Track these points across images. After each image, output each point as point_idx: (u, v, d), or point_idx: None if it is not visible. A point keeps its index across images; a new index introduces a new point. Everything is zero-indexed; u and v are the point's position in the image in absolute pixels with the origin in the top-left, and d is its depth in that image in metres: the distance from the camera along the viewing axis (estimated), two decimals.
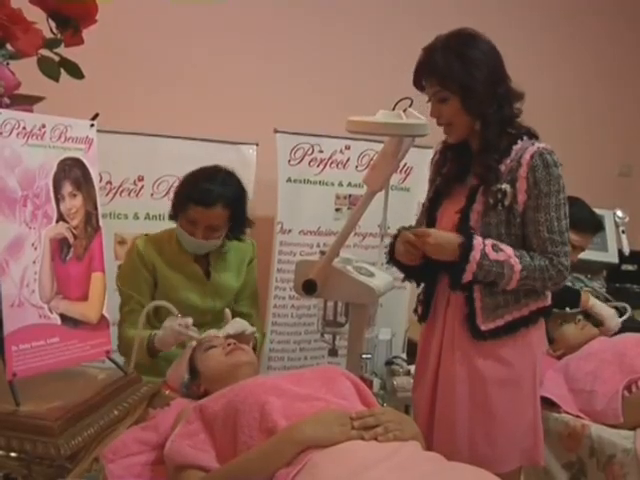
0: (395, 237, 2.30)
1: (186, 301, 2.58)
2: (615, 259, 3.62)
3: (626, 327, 3.01)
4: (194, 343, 2.30)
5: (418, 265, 2.24)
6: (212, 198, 2.50)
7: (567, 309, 2.91)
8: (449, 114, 2.13)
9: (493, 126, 2.13)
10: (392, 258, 2.32)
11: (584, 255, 3.07)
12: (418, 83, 2.17)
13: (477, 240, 2.10)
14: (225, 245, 2.69)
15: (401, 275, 2.40)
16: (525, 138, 2.16)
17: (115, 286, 2.61)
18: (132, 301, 2.58)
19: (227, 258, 2.72)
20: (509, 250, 2.11)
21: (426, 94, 2.17)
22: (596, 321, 2.99)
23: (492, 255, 2.09)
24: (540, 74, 4.36)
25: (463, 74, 2.07)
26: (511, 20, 4.41)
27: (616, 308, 3.07)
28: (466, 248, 2.09)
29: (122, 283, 2.62)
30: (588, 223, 3.02)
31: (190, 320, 2.33)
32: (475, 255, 2.08)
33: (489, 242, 2.11)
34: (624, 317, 3.04)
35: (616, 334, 2.96)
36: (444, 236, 2.15)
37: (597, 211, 3.15)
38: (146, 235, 2.71)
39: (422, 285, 2.36)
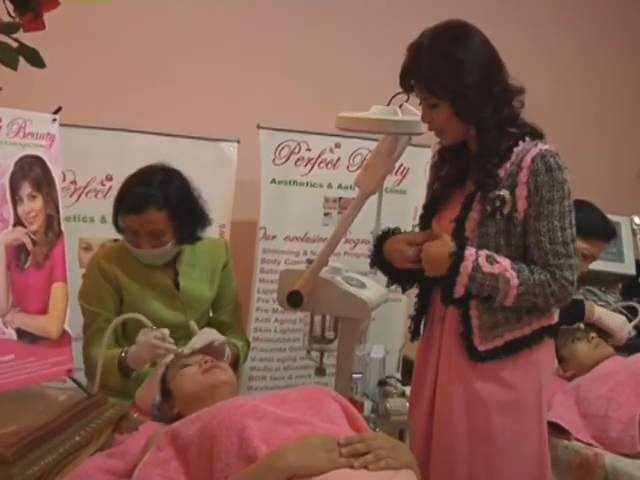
0: (380, 238, 2.32)
1: (155, 316, 2.55)
2: (632, 270, 3.63)
3: None
4: (168, 360, 2.29)
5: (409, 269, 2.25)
6: (142, 202, 2.50)
7: (571, 324, 2.93)
8: (440, 120, 2.14)
9: (490, 130, 2.12)
10: (377, 261, 2.34)
11: (597, 266, 3.08)
12: (405, 85, 2.17)
13: (469, 251, 2.11)
14: (183, 252, 2.67)
15: (397, 287, 2.41)
16: (527, 139, 2.15)
17: (79, 297, 2.60)
18: (98, 320, 2.57)
19: (197, 264, 2.71)
20: (506, 262, 2.11)
21: (415, 96, 2.17)
22: (610, 338, 3.00)
23: (486, 267, 2.09)
24: (548, 67, 4.40)
25: (452, 79, 2.06)
26: (519, 15, 4.44)
27: (626, 311, 3.08)
28: (457, 259, 2.10)
29: (85, 301, 2.61)
30: (599, 229, 3.02)
31: (167, 331, 2.34)
32: (466, 267, 2.09)
33: (483, 253, 2.11)
34: (635, 320, 3.06)
35: (631, 351, 2.98)
36: (434, 249, 2.16)
37: (612, 217, 3.16)
38: (105, 246, 2.70)
39: (415, 301, 2.37)
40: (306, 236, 3.59)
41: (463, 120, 2.12)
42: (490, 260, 2.10)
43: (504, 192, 2.11)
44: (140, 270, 2.62)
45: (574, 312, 2.90)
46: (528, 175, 2.09)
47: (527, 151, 2.12)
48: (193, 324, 2.48)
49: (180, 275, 2.67)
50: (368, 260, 2.41)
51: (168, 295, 2.64)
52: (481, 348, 2.17)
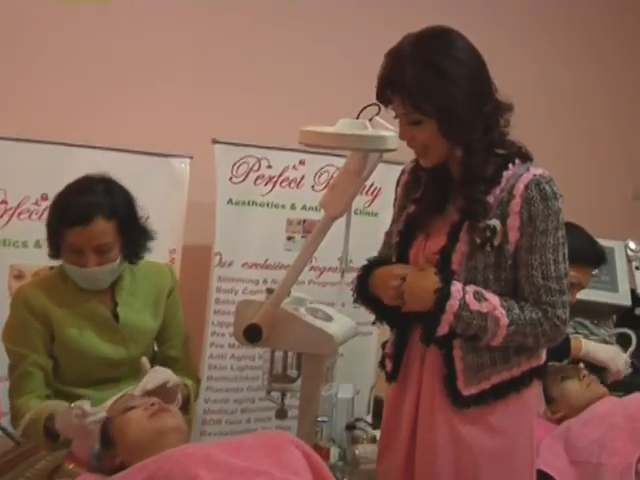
0: (366, 268, 2.31)
1: (92, 352, 2.52)
2: (627, 301, 3.65)
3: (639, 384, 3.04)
4: (109, 403, 2.26)
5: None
6: (88, 213, 2.45)
7: (556, 362, 2.93)
8: (423, 139, 2.12)
9: (479, 153, 2.12)
10: (362, 295, 2.32)
11: (589, 296, 3.11)
12: (383, 97, 2.14)
13: (456, 286, 2.11)
14: (122, 279, 2.64)
15: (366, 319, 2.41)
16: (517, 161, 2.15)
17: (2, 337, 2.57)
18: (25, 362, 2.51)
19: (138, 291, 2.68)
20: (495, 300, 2.11)
21: (393, 110, 2.15)
22: (602, 375, 3.00)
23: (473, 305, 2.09)
24: (534, 81, 4.47)
25: (439, 93, 2.04)
26: (503, 22, 4.50)
27: (618, 341, 3.10)
28: (443, 296, 2.10)
29: (9, 341, 2.56)
30: (586, 254, 3.02)
31: (86, 404, 2.24)
32: (452, 304, 2.09)
33: (471, 289, 2.11)
34: (631, 348, 3.08)
35: (626, 390, 2.99)
36: (419, 283, 2.15)
37: (605, 242, 3.20)
38: (38, 274, 2.65)
39: (392, 335, 2.36)
40: (266, 263, 3.58)
41: (449, 140, 2.11)
42: (478, 297, 2.10)
43: (495, 222, 2.11)
44: (74, 301, 2.57)
45: (558, 349, 2.88)
46: (521, 204, 2.09)
47: (519, 176, 2.12)
48: (145, 361, 2.45)
49: (119, 305, 2.63)
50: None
51: (106, 328, 2.59)
52: (466, 392, 2.16)
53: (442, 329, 2.11)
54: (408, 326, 2.27)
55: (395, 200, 2.39)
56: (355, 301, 2.36)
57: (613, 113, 4.92)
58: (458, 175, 2.18)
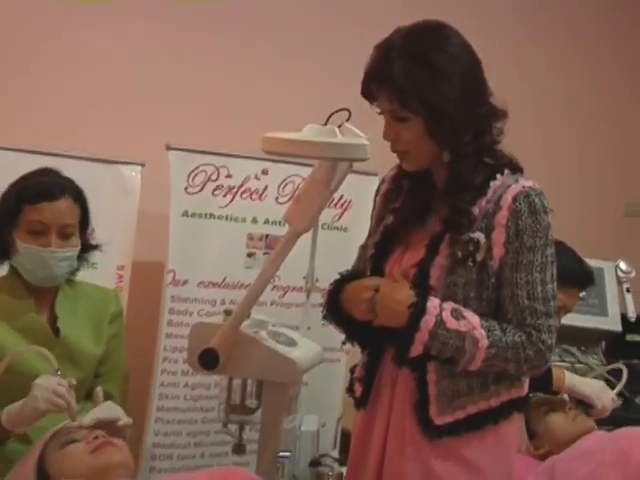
0: (337, 283, 2.32)
1: (26, 369, 2.41)
2: (617, 326, 3.69)
3: (630, 417, 3.08)
4: (48, 435, 2.22)
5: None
6: (56, 189, 2.52)
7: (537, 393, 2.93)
8: (409, 139, 2.13)
9: (468, 159, 2.13)
10: (332, 311, 2.32)
11: (576, 320, 3.13)
12: (367, 91, 2.16)
13: (432, 302, 2.11)
14: (62, 290, 2.62)
15: (334, 344, 2.40)
16: (506, 172, 2.17)
17: None
18: None
19: (78, 310, 2.65)
20: (474, 319, 2.11)
21: (377, 107, 2.17)
22: (587, 409, 3.01)
23: (451, 323, 2.09)
24: (522, 89, 4.46)
25: (430, 90, 2.06)
26: (487, 26, 4.52)
27: (612, 376, 3.11)
28: (417, 311, 2.09)
29: None
30: (573, 274, 3.02)
31: (73, 381, 2.25)
32: (428, 321, 2.08)
33: (448, 306, 2.11)
34: (620, 385, 3.09)
35: (616, 424, 2.99)
36: (393, 295, 2.15)
37: (594, 262, 3.22)
38: None
39: (363, 356, 2.36)
40: (225, 281, 3.58)
41: (437, 142, 2.12)
42: (456, 315, 2.10)
43: (478, 235, 2.12)
44: (7, 310, 2.55)
45: (539, 380, 2.87)
46: (508, 216, 2.11)
47: (507, 187, 2.14)
48: (99, 391, 2.42)
49: (60, 319, 2.60)
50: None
51: (44, 342, 2.49)
52: (438, 421, 2.16)
53: (416, 348, 2.11)
54: (380, 346, 2.27)
55: (373, 210, 2.41)
56: (324, 318, 2.37)
57: (604, 125, 4.98)
58: (443, 182, 2.19)
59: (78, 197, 2.56)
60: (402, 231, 2.27)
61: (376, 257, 2.30)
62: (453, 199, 2.14)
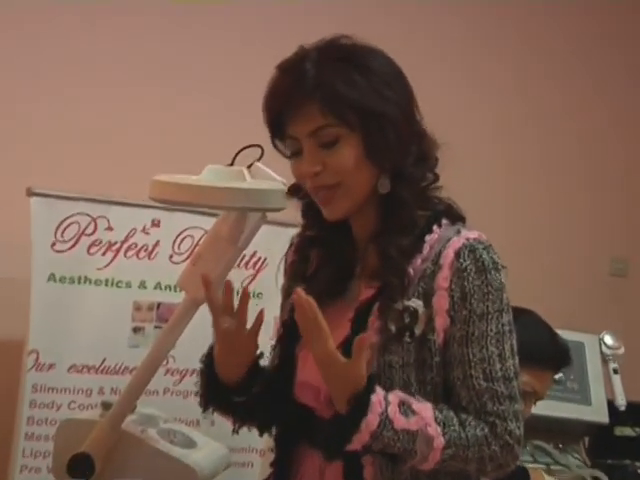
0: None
1: None
2: (603, 417, 3.69)
3: None
4: None
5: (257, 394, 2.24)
6: None
7: None
8: (341, 165, 2.11)
9: (412, 186, 2.14)
10: (211, 388, 2.30)
11: (551, 410, 3.17)
12: (274, 121, 2.15)
13: (377, 396, 2.05)
14: None
15: (245, 444, 2.41)
16: (444, 222, 2.18)
17: None
18: None
19: None
20: (427, 413, 2.06)
21: (288, 143, 2.17)
22: None
23: (399, 422, 2.04)
24: (481, 116, 4.61)
25: (368, 93, 2.07)
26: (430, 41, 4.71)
27: None
28: (358, 408, 2.03)
29: None
30: (543, 351, 3.03)
31: None
32: (370, 421, 2.02)
33: (395, 399, 2.07)
34: None
35: None
36: (336, 368, 2.06)
37: (572, 336, 3.30)
38: None
39: (275, 446, 2.34)
40: (103, 365, 3.58)
41: (377, 162, 2.10)
42: (405, 410, 2.05)
43: (415, 302, 2.10)
44: None
45: None
46: (451, 277, 2.09)
47: (446, 241, 2.12)
48: None
49: None
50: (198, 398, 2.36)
51: None
52: None
53: (352, 446, 2.06)
54: (294, 427, 2.26)
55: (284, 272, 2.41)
56: (202, 405, 2.32)
57: (583, 168, 5.15)
58: (370, 229, 2.18)
59: None
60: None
61: (285, 339, 2.29)
62: (386, 244, 2.12)
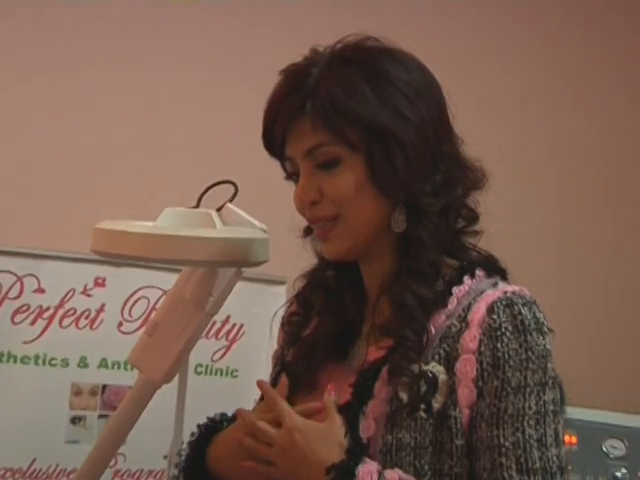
0: (204, 430, 2.31)
1: None
2: None
3: None
4: None
5: None
6: None
7: None
8: (338, 191, 2.11)
9: (431, 219, 2.12)
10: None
11: None
12: (268, 137, 2.16)
13: (367, 467, 2.01)
14: None
15: None
16: (479, 273, 2.18)
17: None
18: None
19: None
20: None
21: (287, 165, 2.19)
22: None
23: None
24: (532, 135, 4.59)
25: (376, 107, 2.07)
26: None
27: None
28: (340, 477, 2.00)
29: None
30: None
31: None
32: None
33: (394, 475, 2.03)
34: None
35: None
36: (307, 436, 2.06)
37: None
38: None
39: None
40: (32, 468, 3.65)
41: (384, 191, 2.10)
42: None
43: (434, 367, 2.07)
44: None
45: None
46: (480, 337, 2.06)
47: (479, 294, 2.11)
48: None
49: None
50: None
51: None
52: None
53: None
54: None
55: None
56: None
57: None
58: (381, 276, 2.18)
59: None
60: (312, 368, 2.25)
61: None
62: (402, 290, 2.11)
